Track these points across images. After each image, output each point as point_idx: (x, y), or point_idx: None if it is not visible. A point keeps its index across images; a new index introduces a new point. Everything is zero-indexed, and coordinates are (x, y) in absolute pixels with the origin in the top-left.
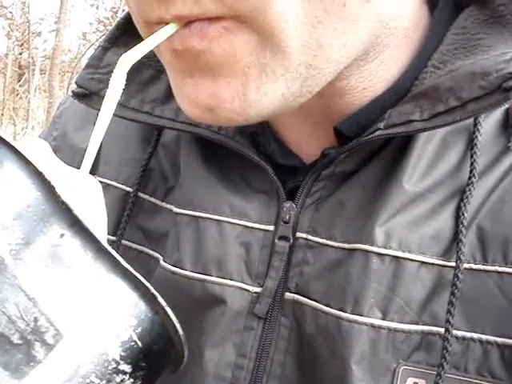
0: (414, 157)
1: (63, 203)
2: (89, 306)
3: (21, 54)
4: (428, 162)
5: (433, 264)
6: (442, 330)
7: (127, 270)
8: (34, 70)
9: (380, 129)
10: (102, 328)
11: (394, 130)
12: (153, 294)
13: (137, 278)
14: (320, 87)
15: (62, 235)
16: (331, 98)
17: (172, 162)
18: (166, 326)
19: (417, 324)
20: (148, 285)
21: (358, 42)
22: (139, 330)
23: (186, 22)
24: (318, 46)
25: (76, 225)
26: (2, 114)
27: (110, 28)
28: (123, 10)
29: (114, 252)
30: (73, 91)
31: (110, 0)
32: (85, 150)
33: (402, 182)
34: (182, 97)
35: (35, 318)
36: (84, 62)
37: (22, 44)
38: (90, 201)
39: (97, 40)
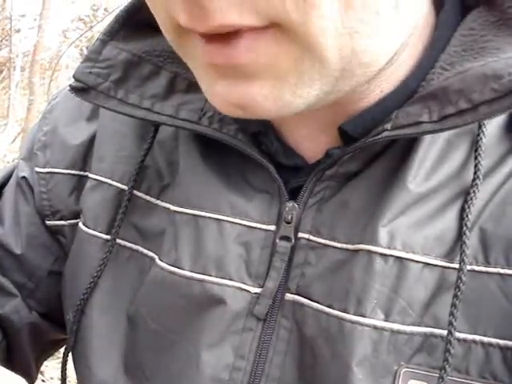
0: (419, 157)
1: None
2: None
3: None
4: (432, 162)
5: (436, 265)
6: (444, 332)
7: None
8: (14, 68)
9: (387, 130)
10: None
11: (401, 131)
12: None
13: None
14: (350, 88)
15: None
16: (345, 100)
17: (168, 159)
18: None
19: (419, 326)
20: None
21: (390, 45)
22: None
23: (224, 36)
24: (354, 53)
25: None
26: None
27: (90, 26)
28: (104, 9)
29: None
30: (70, 85)
31: None
32: (75, 146)
33: (406, 183)
34: (213, 95)
35: None
36: (64, 59)
37: (1, 40)
38: None
39: (77, 38)
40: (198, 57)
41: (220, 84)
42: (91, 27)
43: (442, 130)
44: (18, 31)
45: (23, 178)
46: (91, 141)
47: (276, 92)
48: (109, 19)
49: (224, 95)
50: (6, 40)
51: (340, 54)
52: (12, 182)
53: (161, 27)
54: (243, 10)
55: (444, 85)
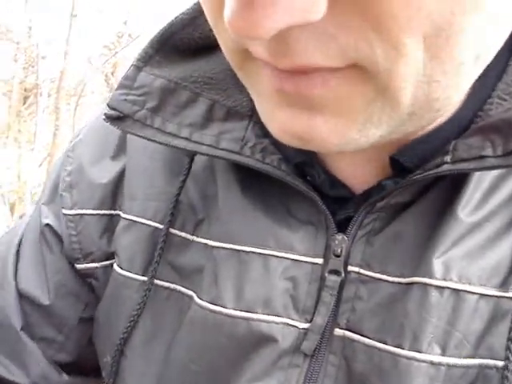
0: (471, 187)
1: None
2: None
3: (26, 77)
4: (484, 191)
5: (492, 296)
6: (499, 363)
7: None
8: (40, 94)
9: (447, 162)
10: None
11: (463, 165)
12: None
13: None
14: (414, 128)
15: None
16: (401, 134)
17: (202, 192)
18: None
19: (473, 358)
20: None
21: (462, 93)
22: None
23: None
24: (427, 100)
25: None
26: (7, 137)
27: (115, 52)
28: (129, 35)
29: None
30: (105, 114)
31: (115, 25)
32: (103, 185)
33: (458, 213)
34: (274, 121)
35: None
36: (90, 85)
37: (28, 67)
38: None
39: (102, 65)
40: (264, 81)
41: (283, 111)
42: (116, 53)
43: (508, 166)
44: (44, 58)
45: (47, 225)
46: (119, 178)
47: (341, 128)
48: (133, 45)
49: (286, 124)
50: (33, 67)
51: (414, 100)
52: (34, 231)
53: (222, 48)
54: (329, 53)
55: (506, 117)
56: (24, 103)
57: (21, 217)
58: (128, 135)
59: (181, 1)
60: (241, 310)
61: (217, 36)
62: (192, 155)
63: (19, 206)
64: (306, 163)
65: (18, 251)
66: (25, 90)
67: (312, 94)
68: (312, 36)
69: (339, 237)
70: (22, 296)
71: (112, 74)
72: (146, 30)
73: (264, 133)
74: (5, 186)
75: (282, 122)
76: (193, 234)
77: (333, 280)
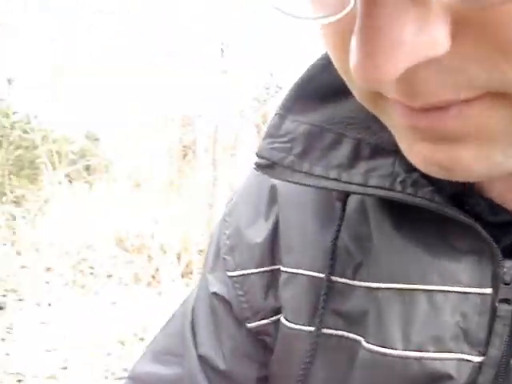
0: None
1: None
2: None
3: (184, 134)
4: None
5: None
6: None
7: None
8: (197, 149)
9: None
10: None
11: None
12: None
13: None
14: None
15: None
16: None
17: (355, 235)
18: None
19: None
20: None
21: None
22: None
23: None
24: None
25: None
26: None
27: (263, 102)
28: (276, 85)
29: None
30: (255, 163)
31: (262, 77)
32: (260, 244)
33: None
34: (414, 154)
35: None
36: (243, 137)
37: (185, 125)
38: None
39: (252, 116)
40: (396, 118)
41: (421, 145)
42: (265, 102)
43: None
44: (200, 116)
45: (214, 293)
46: (274, 234)
47: (484, 154)
48: (281, 95)
49: (427, 156)
50: (190, 125)
51: None
52: (204, 300)
53: (354, 93)
54: (458, 86)
55: None
56: (184, 159)
57: (187, 265)
58: (278, 190)
59: (316, 51)
60: (411, 350)
61: (347, 82)
62: (344, 199)
63: (185, 255)
64: (465, 193)
65: (192, 321)
66: (183, 147)
67: (447, 127)
68: (438, 72)
69: (508, 264)
70: (203, 362)
71: (263, 123)
72: (291, 79)
73: (413, 167)
74: (172, 240)
75: (421, 155)
76: (353, 279)
77: (505, 309)
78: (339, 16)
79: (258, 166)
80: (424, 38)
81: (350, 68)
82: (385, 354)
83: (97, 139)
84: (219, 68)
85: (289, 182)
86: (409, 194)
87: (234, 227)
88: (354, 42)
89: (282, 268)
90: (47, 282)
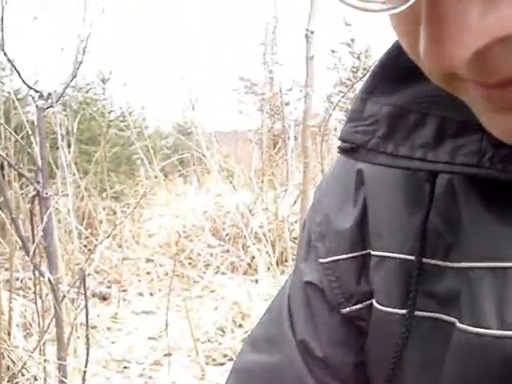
0: None
1: None
2: None
3: (273, 123)
4: None
5: None
6: None
7: None
8: (288, 137)
9: None
10: None
11: None
12: None
13: None
14: None
15: None
16: None
17: (445, 216)
18: None
19: None
20: None
21: None
22: None
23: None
24: None
25: None
26: (263, 181)
27: (351, 85)
28: (363, 68)
29: None
30: (339, 147)
31: (349, 61)
32: (349, 230)
33: None
34: (496, 127)
35: None
36: (332, 123)
37: (273, 115)
38: None
39: (339, 101)
40: (473, 94)
41: (499, 117)
42: (352, 86)
43: None
44: (287, 104)
45: (307, 282)
46: (362, 220)
47: None
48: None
49: (506, 127)
50: (278, 114)
51: None
52: (298, 290)
53: (429, 76)
54: None
55: None
56: (274, 148)
57: (281, 253)
58: (364, 174)
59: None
60: (506, 330)
61: (420, 67)
62: (433, 180)
63: (279, 243)
64: None
65: (289, 310)
66: (273, 136)
67: None
68: (510, 49)
69: None
70: (302, 349)
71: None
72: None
73: (501, 143)
74: (265, 227)
75: (503, 127)
76: (445, 260)
77: None
78: (405, 7)
79: (342, 150)
80: (491, 19)
81: (421, 55)
82: (480, 335)
83: (189, 133)
84: (304, 55)
85: (373, 164)
86: (498, 170)
87: (323, 214)
88: (422, 30)
89: (372, 252)
90: (148, 273)
